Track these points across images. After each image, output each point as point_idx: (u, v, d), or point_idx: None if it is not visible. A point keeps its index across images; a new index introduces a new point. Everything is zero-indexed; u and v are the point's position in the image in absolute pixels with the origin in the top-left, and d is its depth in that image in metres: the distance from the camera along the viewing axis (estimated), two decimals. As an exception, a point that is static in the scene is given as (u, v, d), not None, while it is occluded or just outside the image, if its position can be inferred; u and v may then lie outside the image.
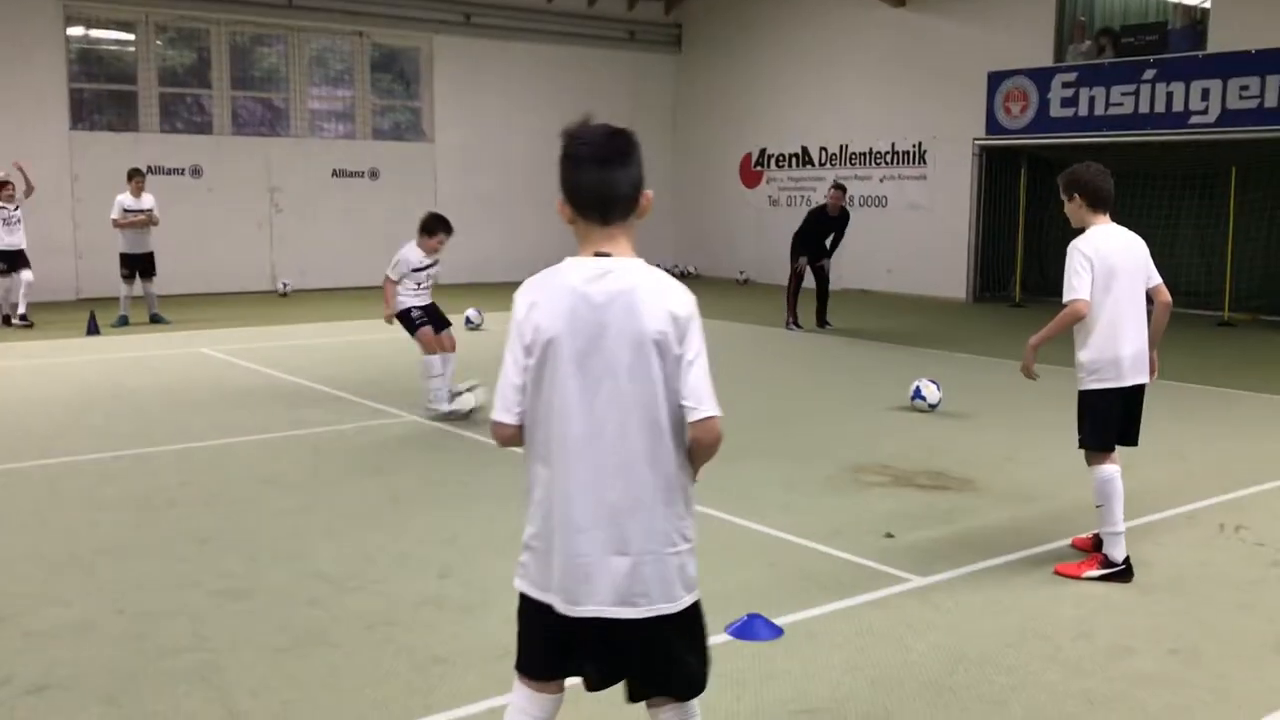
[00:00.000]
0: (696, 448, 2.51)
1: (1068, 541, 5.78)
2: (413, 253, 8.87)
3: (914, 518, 6.16)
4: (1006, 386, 10.40)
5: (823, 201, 14.83)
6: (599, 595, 2.48)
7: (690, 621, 2.58)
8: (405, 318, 8.94)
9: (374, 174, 20.08)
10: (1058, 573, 5.27)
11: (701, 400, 2.44)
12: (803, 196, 20.92)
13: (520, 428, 2.54)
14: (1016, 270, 18.50)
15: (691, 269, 22.94)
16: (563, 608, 2.51)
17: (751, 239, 21.93)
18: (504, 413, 2.53)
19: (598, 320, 2.44)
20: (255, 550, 5.60)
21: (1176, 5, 17.08)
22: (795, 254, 14.54)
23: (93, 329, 13.82)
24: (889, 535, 5.82)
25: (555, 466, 2.49)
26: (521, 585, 2.59)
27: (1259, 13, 15.16)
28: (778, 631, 4.51)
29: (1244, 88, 15.44)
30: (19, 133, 16.97)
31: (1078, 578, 5.21)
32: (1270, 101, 15.18)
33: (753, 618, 4.57)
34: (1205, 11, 16.21)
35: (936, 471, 7.25)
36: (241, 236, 18.93)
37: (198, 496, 6.62)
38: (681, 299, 2.47)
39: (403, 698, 3.90)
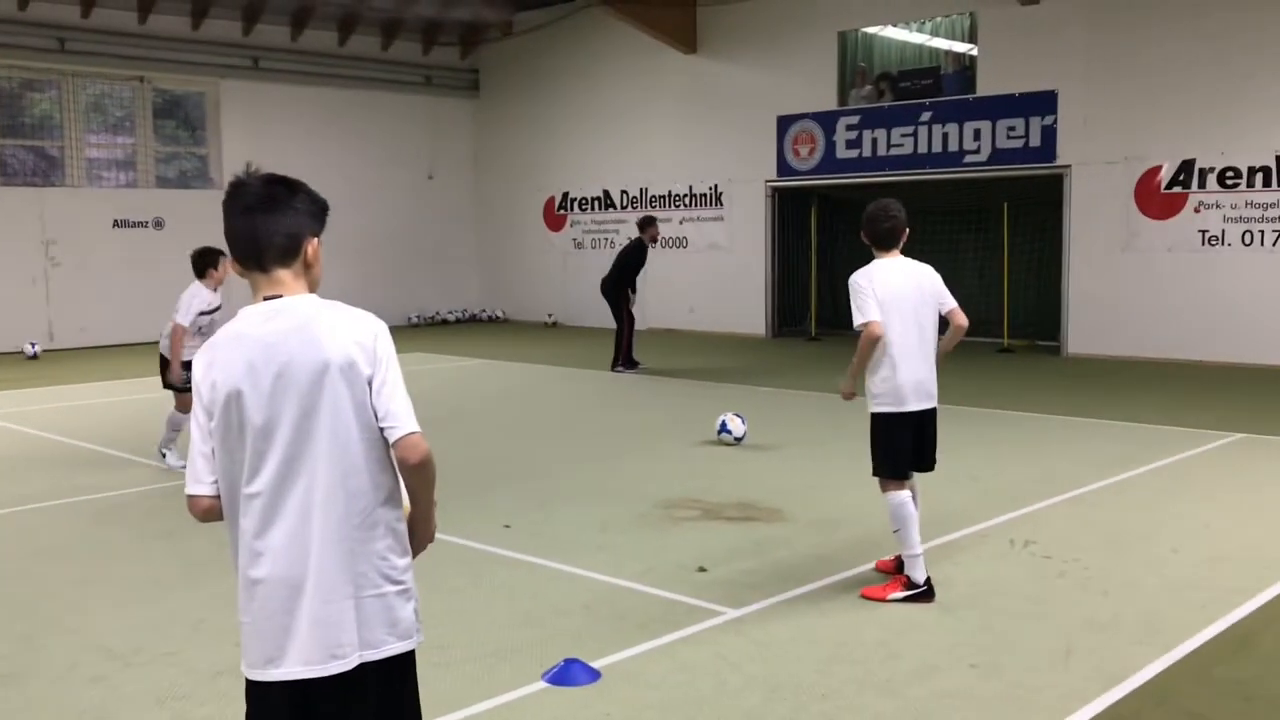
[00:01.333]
0: (405, 470, 2.42)
1: (872, 565, 5.94)
2: (200, 293, 8.38)
3: (726, 550, 6.22)
4: (808, 418, 10.69)
5: (637, 236, 14.87)
6: (299, 654, 2.35)
7: (399, 672, 2.44)
8: (185, 370, 8.36)
9: (159, 223, 19.19)
10: (864, 596, 5.40)
11: (398, 418, 2.39)
12: (606, 239, 21.13)
13: (216, 498, 2.43)
14: (811, 305, 19.15)
15: (499, 313, 22.83)
16: (260, 676, 2.38)
17: (558, 282, 22.00)
18: (195, 484, 2.44)
19: (276, 358, 2.38)
20: (29, 628, 5.17)
21: (947, 52, 18.13)
22: (623, 292, 14.42)
23: None
24: (701, 569, 5.86)
25: (252, 528, 2.38)
26: (249, 672, 2.42)
27: (1021, 59, 16.25)
28: (595, 675, 4.45)
29: (1011, 128, 16.49)
30: None
31: (883, 600, 5.35)
32: (1034, 140, 16.26)
33: (570, 663, 4.50)
34: (973, 58, 17.27)
35: (745, 503, 7.35)
36: (15, 292, 17.75)
37: (-36, 574, 6.08)
38: (364, 324, 2.44)
39: (199, 777, 3.64)
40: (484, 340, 19.06)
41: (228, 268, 7.91)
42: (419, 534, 2.54)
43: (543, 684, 4.37)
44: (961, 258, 17.96)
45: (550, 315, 21.93)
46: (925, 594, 5.36)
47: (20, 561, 6.31)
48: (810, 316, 19.14)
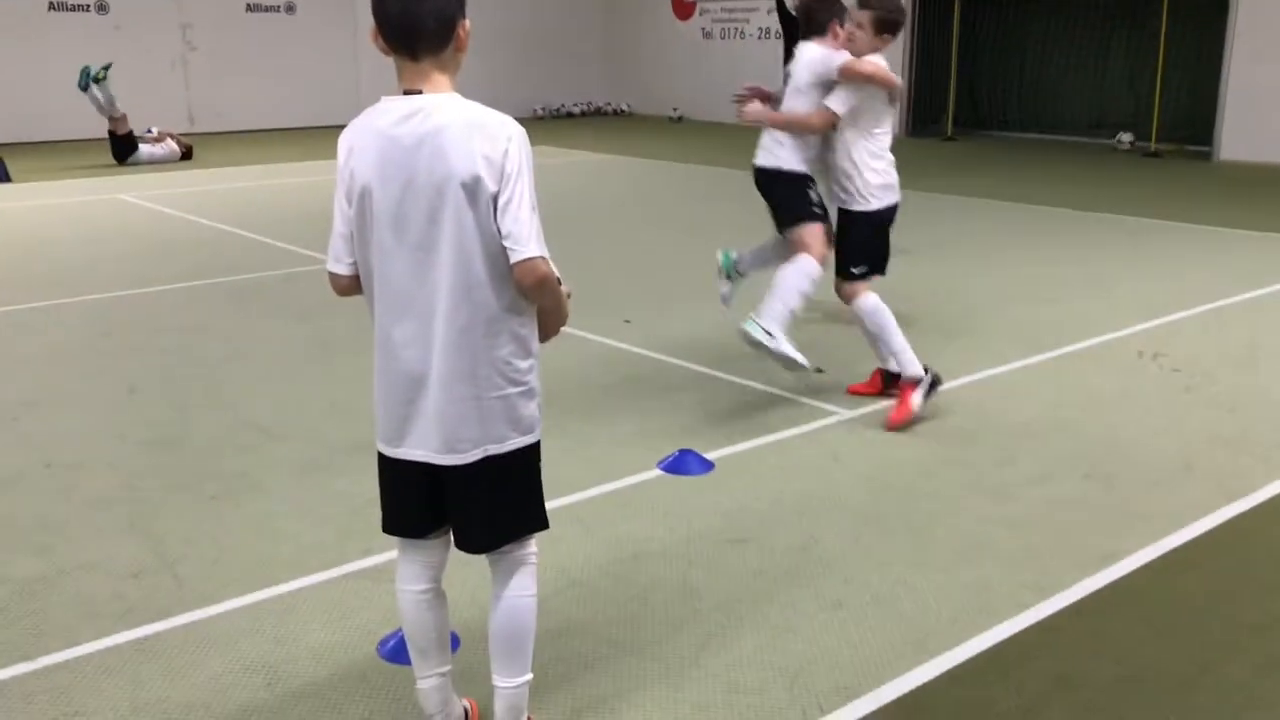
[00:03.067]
0: (522, 290, 2.42)
1: (996, 370, 5.88)
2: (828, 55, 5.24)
3: (844, 352, 6.22)
4: (941, 220, 10.43)
5: None
6: (420, 439, 2.47)
7: (521, 463, 2.53)
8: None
9: (290, 8, 19.22)
10: (894, 427, 5.01)
11: (520, 241, 2.34)
12: (736, 29, 20.43)
13: (355, 278, 2.51)
14: (949, 104, 18.37)
15: (624, 106, 22.50)
16: (387, 451, 2.52)
17: (685, 74, 21.48)
18: (334, 263, 2.50)
19: (407, 164, 2.35)
20: (183, 399, 5.52)
21: None
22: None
23: (2, 176, 13.26)
24: (819, 370, 5.89)
25: (383, 317, 2.46)
26: (379, 445, 2.55)
27: None
28: (709, 465, 4.58)
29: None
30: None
31: (911, 416, 5.04)
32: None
33: (684, 453, 4.63)
34: None
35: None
36: (154, 77, 18.13)
37: (122, 347, 6.49)
38: (497, 135, 2.33)
39: (339, 542, 3.91)
40: (607, 134, 18.88)
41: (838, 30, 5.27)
42: (545, 329, 2.58)
43: (658, 471, 4.52)
44: (1111, 56, 16.91)
45: (675, 109, 21.52)
46: (935, 379, 5.15)
47: (175, 337, 6.68)
48: (947, 116, 18.40)
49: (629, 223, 10.71)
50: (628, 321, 6.91)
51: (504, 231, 2.34)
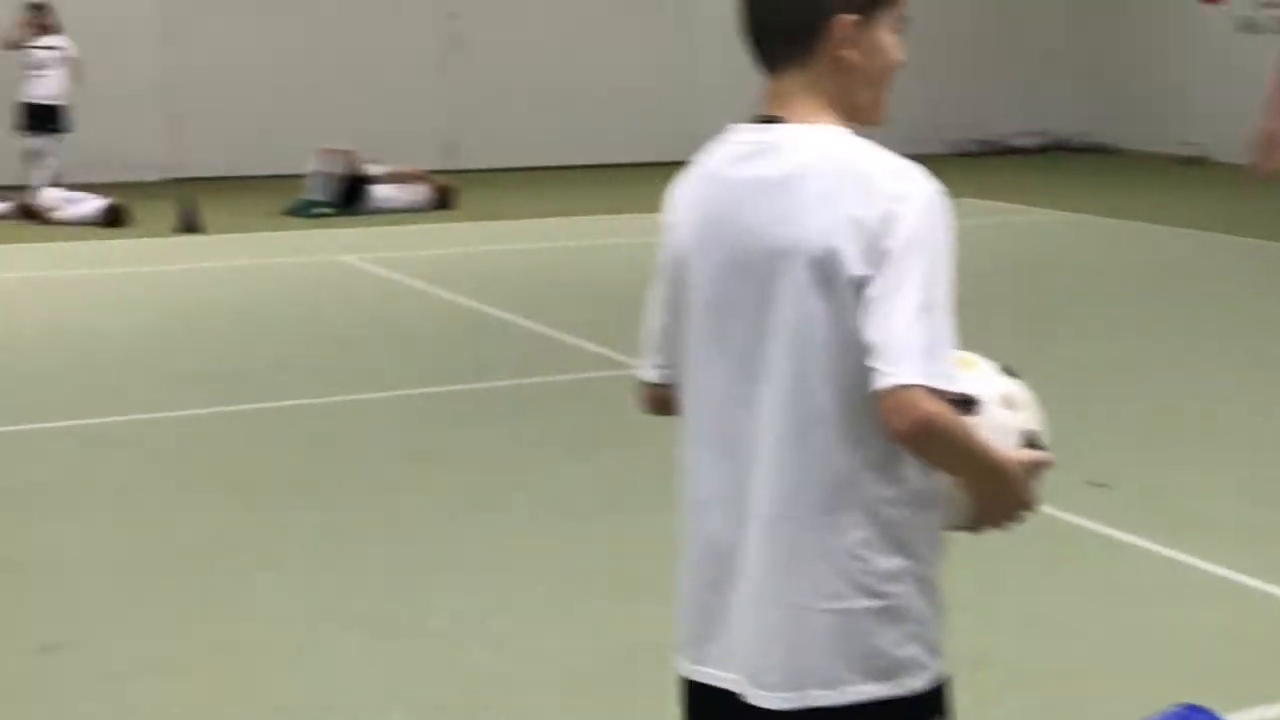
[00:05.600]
0: (891, 437, 2.29)
1: None
2: None
3: None
4: None
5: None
6: (725, 658, 2.42)
7: None
8: None
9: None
10: None
11: (891, 357, 2.22)
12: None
13: (668, 390, 2.56)
14: None
15: (1105, 139, 22.23)
16: (685, 667, 2.50)
17: (1210, 89, 21.00)
18: (642, 366, 2.60)
19: (738, 223, 2.36)
20: (407, 563, 5.84)
21: None
22: None
23: (189, 224, 14.64)
24: None
25: (688, 455, 2.48)
26: (678, 657, 2.56)
27: None
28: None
29: None
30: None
31: None
32: None
33: (1192, 712, 4.39)
34: None
35: None
36: (405, 86, 19.51)
37: (326, 474, 6.96)
38: (881, 190, 2.27)
39: None
40: (1075, 180, 18.74)
41: None
42: (972, 514, 2.46)
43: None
44: None
45: (1191, 144, 20.90)
46: None
47: (395, 464, 7.10)
48: None
49: (1111, 322, 10.49)
50: (1102, 485, 6.70)
51: (868, 340, 2.26)
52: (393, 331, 10.12)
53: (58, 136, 16.08)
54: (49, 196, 15.26)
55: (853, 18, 2.35)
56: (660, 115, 19.56)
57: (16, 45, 16.07)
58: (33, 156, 16.04)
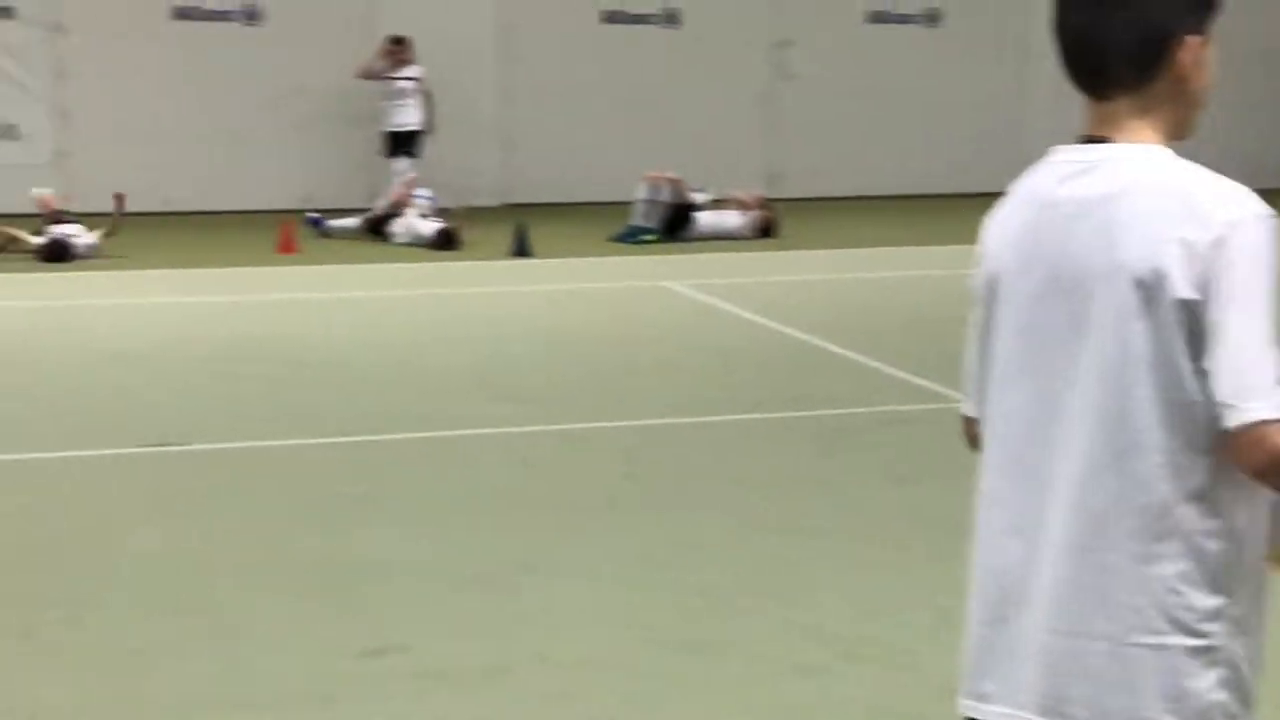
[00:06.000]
0: (1243, 472, 2.20)
1: None
2: None
3: None
4: None
5: None
6: (1016, 690, 2.35)
7: None
8: None
9: (932, 17, 20.05)
10: None
11: (1243, 393, 2.13)
12: None
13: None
14: None
15: None
16: (969, 706, 2.43)
17: None
18: (966, 400, 2.57)
19: (1058, 244, 2.31)
20: (717, 585, 5.86)
21: None
22: None
23: (520, 248, 15.04)
24: None
25: (984, 478, 2.43)
26: (960, 693, 2.51)
27: None
28: None
29: None
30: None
31: None
32: None
33: None
34: None
35: None
36: (730, 116, 19.65)
37: (646, 493, 7.07)
38: (1211, 215, 2.18)
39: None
40: None
41: None
42: None
43: None
44: None
45: None
46: None
47: (715, 487, 7.13)
48: None
49: None
50: None
51: (1212, 374, 2.19)
52: (712, 357, 10.19)
53: (414, 161, 16.89)
54: (405, 218, 15.85)
55: (1198, 39, 2.32)
56: (985, 145, 19.27)
57: (378, 76, 16.95)
58: (391, 179, 16.82)
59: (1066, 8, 2.38)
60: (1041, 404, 2.35)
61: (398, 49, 17.00)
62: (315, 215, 16.37)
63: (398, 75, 16.95)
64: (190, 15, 18.02)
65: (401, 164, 16.89)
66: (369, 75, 17.02)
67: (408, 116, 17.00)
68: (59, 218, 14.63)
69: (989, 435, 2.46)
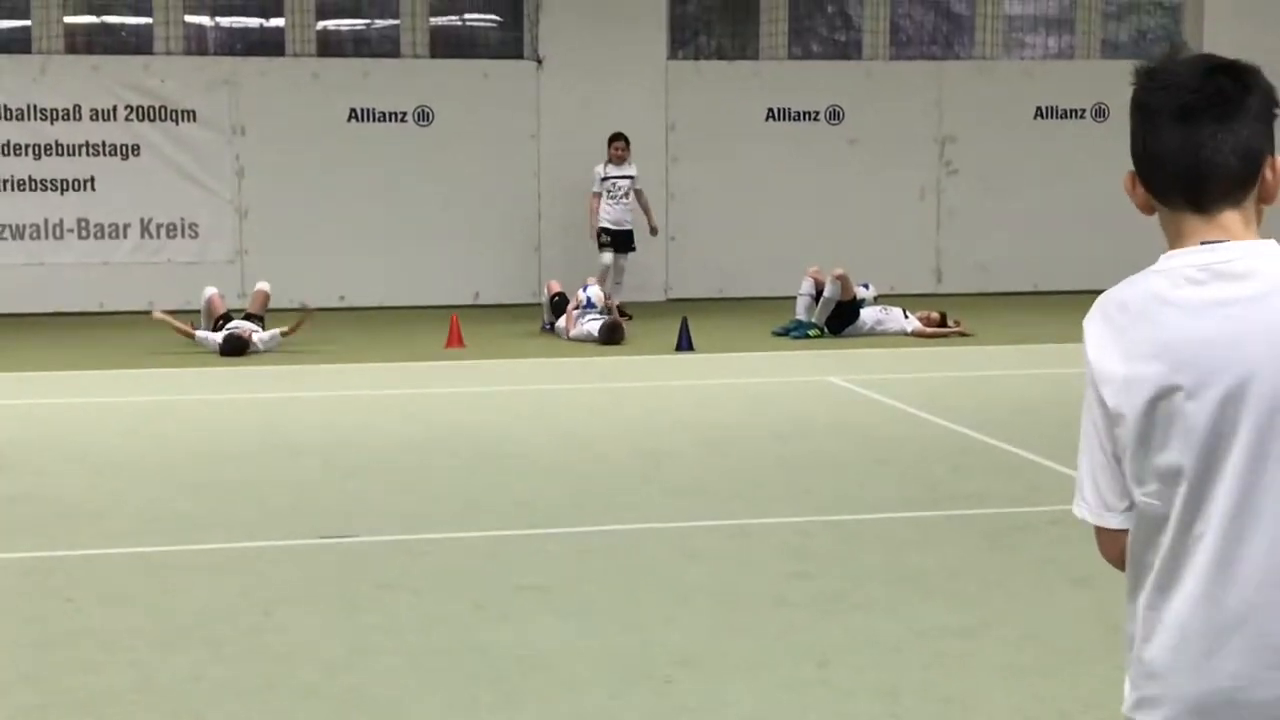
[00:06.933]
0: None
1: None
2: None
3: None
4: None
5: None
6: None
7: None
8: None
9: (1100, 112, 19.91)
10: None
11: None
12: None
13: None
14: None
15: None
16: None
17: None
18: (1101, 511, 2.53)
19: (1220, 354, 2.31)
20: (888, 686, 5.79)
21: None
22: None
23: (683, 342, 15.10)
24: None
25: (1147, 583, 2.45)
26: None
27: None
28: None
29: None
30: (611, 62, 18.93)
31: None
32: None
33: None
34: None
35: None
36: (895, 211, 19.71)
37: (814, 590, 7.02)
38: None
39: None
40: None
41: None
42: None
43: None
44: None
45: None
46: None
47: (882, 589, 7.06)
48: None
49: None
50: None
51: None
52: (878, 454, 10.13)
53: (627, 256, 17.31)
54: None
55: (1275, 157, 2.43)
56: (1146, 240, 18.85)
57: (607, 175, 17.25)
58: (609, 273, 17.12)
59: (1165, 131, 2.41)
60: (1217, 520, 2.34)
61: (621, 147, 17.31)
62: (549, 322, 16.48)
63: (619, 174, 17.29)
64: (363, 117, 18.56)
65: (618, 260, 17.22)
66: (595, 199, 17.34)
67: (624, 213, 17.31)
68: (228, 317, 15.09)
69: (1167, 544, 2.41)
